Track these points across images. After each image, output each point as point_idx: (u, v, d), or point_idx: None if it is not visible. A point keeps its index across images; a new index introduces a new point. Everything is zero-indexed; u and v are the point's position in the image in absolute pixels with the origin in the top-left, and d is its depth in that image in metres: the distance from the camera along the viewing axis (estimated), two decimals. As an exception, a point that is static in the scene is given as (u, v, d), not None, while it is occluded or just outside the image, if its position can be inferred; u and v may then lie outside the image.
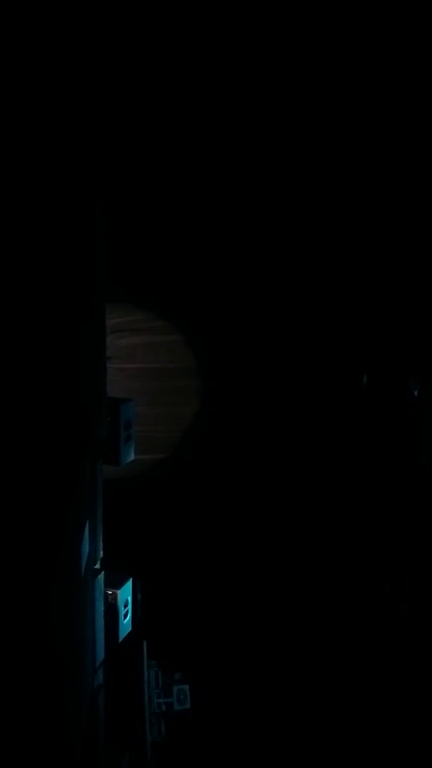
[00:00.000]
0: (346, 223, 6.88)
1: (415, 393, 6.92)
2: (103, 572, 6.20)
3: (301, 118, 6.54)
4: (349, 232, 6.89)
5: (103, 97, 5.43)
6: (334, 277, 7.03)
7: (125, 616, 6.49)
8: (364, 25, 5.84)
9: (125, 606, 6.48)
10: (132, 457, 6.30)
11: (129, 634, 6.63)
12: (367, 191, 6.75)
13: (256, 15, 5.99)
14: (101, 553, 6.16)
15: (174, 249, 7.06)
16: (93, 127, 5.26)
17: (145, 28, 6.00)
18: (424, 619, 6.65)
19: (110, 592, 6.36)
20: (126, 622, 6.52)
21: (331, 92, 6.39)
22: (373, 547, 7.20)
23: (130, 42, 5.98)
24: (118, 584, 6.42)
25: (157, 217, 6.96)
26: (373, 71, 6.04)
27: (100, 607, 6.22)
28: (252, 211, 6.96)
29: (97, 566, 6.15)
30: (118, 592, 6.38)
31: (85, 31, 4.91)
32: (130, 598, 6.55)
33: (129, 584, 6.54)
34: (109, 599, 6.36)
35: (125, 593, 6.48)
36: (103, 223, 5.58)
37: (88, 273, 5.52)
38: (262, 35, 6.12)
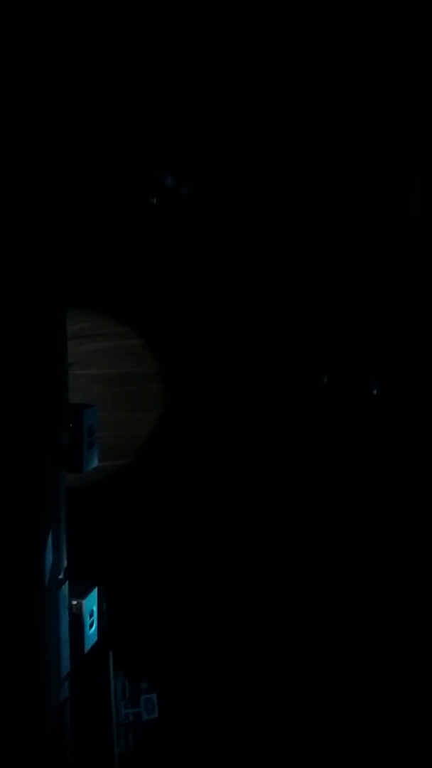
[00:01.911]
0: (305, 224, 6.94)
1: (374, 392, 7.01)
2: (67, 582, 6.12)
3: (245, 121, 6.58)
4: (308, 231, 6.95)
5: (57, 97, 5.37)
6: (293, 278, 7.08)
7: (91, 626, 6.40)
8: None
9: (90, 616, 6.39)
10: (96, 463, 6.24)
11: (95, 644, 6.55)
12: (321, 190, 6.82)
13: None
14: (65, 563, 6.07)
15: (132, 253, 7.02)
16: (49, 129, 5.21)
17: (99, 27, 5.96)
18: (392, 621, 6.72)
19: (75, 602, 6.26)
20: (92, 633, 6.44)
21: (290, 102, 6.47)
22: (337, 548, 7.25)
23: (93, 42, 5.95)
24: (83, 594, 6.33)
25: (114, 222, 6.92)
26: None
27: (64, 618, 6.13)
28: (208, 213, 6.97)
29: (61, 576, 6.06)
30: (83, 601, 6.29)
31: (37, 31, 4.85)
32: (95, 608, 6.47)
33: (94, 593, 6.45)
34: (74, 609, 6.27)
35: (90, 603, 6.39)
36: (61, 228, 5.52)
37: (48, 279, 5.46)
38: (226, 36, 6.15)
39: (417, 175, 5.98)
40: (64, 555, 6.02)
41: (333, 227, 6.88)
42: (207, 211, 6.97)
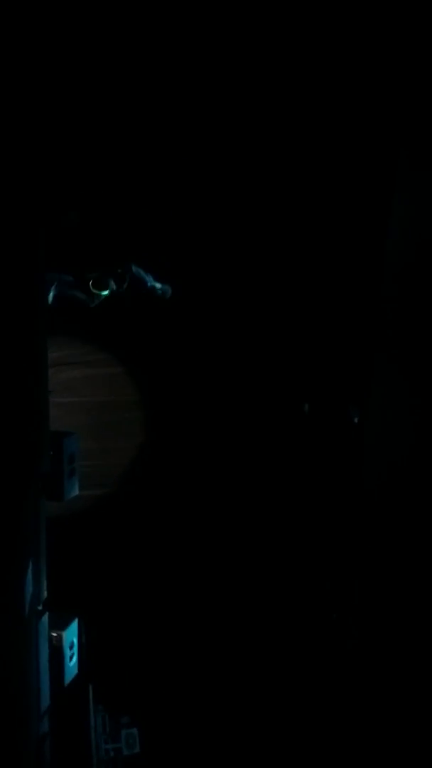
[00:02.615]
0: (286, 250, 7.03)
1: (355, 420, 7.06)
2: (47, 613, 6.01)
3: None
4: (289, 259, 7.04)
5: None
6: (274, 307, 7.15)
7: (71, 658, 6.28)
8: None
9: (71, 648, 6.27)
10: (76, 492, 6.18)
11: (75, 677, 6.42)
12: (303, 217, 6.92)
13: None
14: (45, 594, 5.97)
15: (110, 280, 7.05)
16: (32, 155, 5.25)
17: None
18: (369, 648, 6.68)
19: (55, 634, 6.15)
20: (72, 665, 6.31)
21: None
22: (319, 573, 7.23)
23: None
24: (63, 625, 6.21)
25: (92, 250, 6.96)
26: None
27: (44, 650, 6.01)
28: (186, 241, 7.04)
29: (41, 607, 5.96)
30: (63, 633, 6.17)
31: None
32: (75, 640, 6.35)
33: (75, 625, 6.34)
34: (54, 641, 6.15)
35: (71, 634, 6.27)
36: (44, 255, 5.55)
37: (30, 306, 5.46)
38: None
39: (395, 204, 6.10)
40: (44, 585, 5.92)
41: (318, 260, 6.98)
42: (188, 242, 7.05)
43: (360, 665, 6.61)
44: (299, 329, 7.16)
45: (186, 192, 6.90)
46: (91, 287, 6.47)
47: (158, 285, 6.84)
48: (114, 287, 6.51)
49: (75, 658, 6.36)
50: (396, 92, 6.00)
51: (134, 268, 6.63)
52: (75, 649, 6.36)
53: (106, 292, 6.46)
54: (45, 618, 5.97)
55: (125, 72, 6.31)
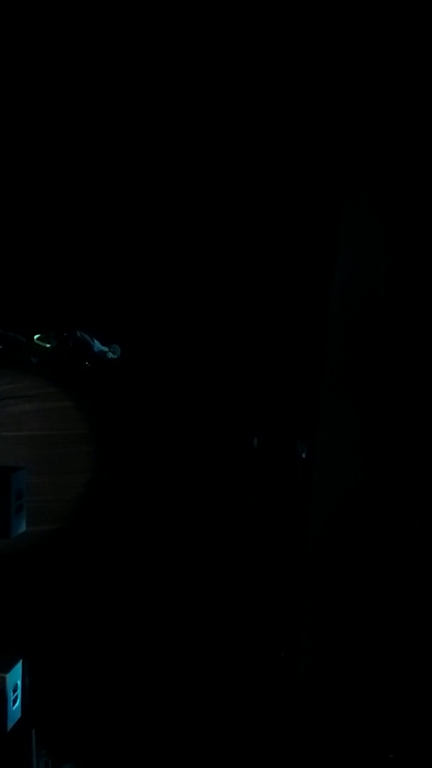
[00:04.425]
0: (233, 283, 7.14)
1: (303, 455, 7.16)
2: (-10, 655, 5.84)
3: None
4: (236, 291, 7.16)
5: None
6: (223, 344, 7.24)
7: (14, 701, 6.09)
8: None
9: (14, 691, 6.08)
10: (23, 528, 6.07)
11: (17, 721, 6.21)
12: (249, 251, 7.07)
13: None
14: (-11, 634, 5.81)
15: (60, 312, 7.05)
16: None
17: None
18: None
19: (-2, 677, 5.97)
20: (15, 709, 6.11)
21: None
22: (266, 608, 7.22)
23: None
24: (7, 667, 6.04)
25: (40, 279, 6.97)
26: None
27: (-14, 694, 5.82)
28: (136, 269, 7.11)
29: (-16, 649, 5.78)
30: (6, 676, 6.00)
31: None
32: (19, 682, 6.17)
33: (19, 667, 6.16)
34: (-4, 684, 5.96)
35: (14, 677, 6.09)
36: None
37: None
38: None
39: (341, 238, 6.30)
40: (-12, 626, 5.76)
41: (266, 293, 7.12)
42: (138, 271, 7.11)
43: (307, 702, 6.61)
44: (248, 362, 7.26)
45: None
46: (35, 340, 6.56)
47: (105, 348, 6.89)
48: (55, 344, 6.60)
49: (18, 701, 6.16)
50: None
51: (79, 333, 6.72)
52: (18, 691, 6.18)
53: (49, 345, 6.55)
54: (-12, 660, 5.80)
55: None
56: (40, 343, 6.67)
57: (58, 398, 7.05)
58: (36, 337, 6.66)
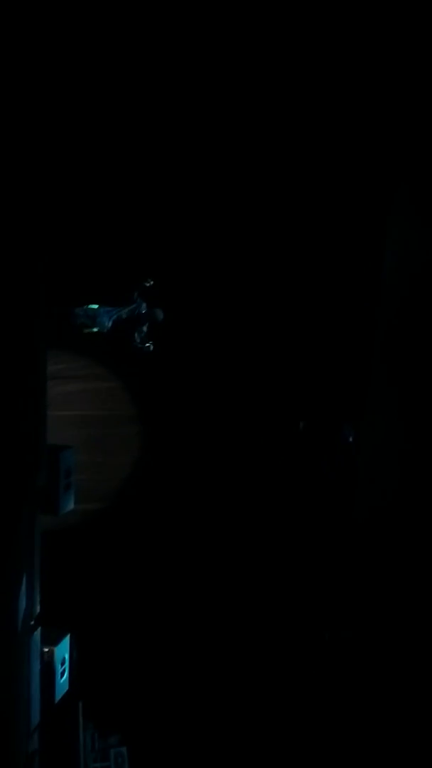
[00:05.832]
0: (284, 268, 7.08)
1: (350, 439, 7.08)
2: (39, 628, 5.96)
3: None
4: (288, 276, 7.09)
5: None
6: (272, 325, 7.19)
7: (62, 674, 6.22)
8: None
9: (62, 664, 6.21)
10: (72, 506, 6.14)
11: (65, 694, 6.35)
12: (300, 241, 6.99)
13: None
14: (38, 608, 5.93)
15: (109, 294, 7.07)
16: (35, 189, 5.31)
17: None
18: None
19: (46, 650, 6.09)
20: (63, 681, 6.25)
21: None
22: (312, 594, 7.21)
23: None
24: (55, 641, 6.16)
25: (90, 265, 6.99)
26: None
27: (35, 666, 5.95)
28: (187, 257, 7.08)
29: (33, 622, 5.91)
30: (55, 649, 6.12)
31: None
32: (67, 656, 6.30)
33: (66, 641, 6.29)
34: (46, 657, 6.09)
35: (62, 650, 6.22)
36: (44, 269, 5.57)
37: (29, 319, 5.48)
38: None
39: (391, 225, 6.16)
40: (38, 600, 5.88)
41: (315, 279, 7.04)
42: (189, 259, 7.08)
43: (354, 685, 6.59)
44: (297, 347, 7.19)
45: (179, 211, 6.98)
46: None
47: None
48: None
49: (66, 674, 6.30)
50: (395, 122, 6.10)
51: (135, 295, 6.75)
52: (66, 665, 6.30)
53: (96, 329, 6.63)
54: (37, 633, 5.92)
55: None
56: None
57: (106, 378, 7.13)
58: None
